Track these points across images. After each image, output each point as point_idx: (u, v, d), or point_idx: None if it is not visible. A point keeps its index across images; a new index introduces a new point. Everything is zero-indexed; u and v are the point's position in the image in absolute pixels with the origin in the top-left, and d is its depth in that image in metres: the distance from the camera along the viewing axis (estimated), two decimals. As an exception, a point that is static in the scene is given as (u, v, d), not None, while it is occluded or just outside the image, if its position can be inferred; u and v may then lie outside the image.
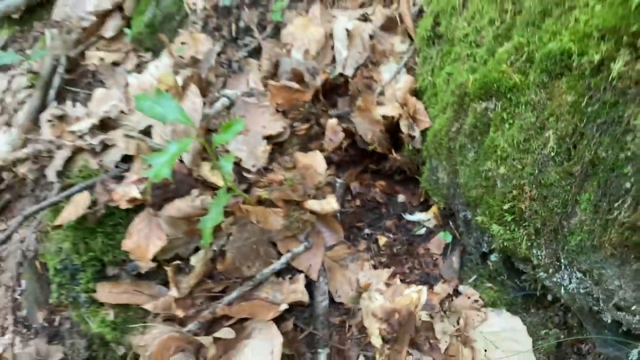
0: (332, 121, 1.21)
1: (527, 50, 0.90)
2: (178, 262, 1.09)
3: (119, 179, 1.16)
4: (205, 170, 1.15)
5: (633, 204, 0.70)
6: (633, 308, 0.78)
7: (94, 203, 1.13)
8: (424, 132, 1.16)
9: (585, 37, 0.79)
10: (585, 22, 0.80)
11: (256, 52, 1.43)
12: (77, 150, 1.27)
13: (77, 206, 1.12)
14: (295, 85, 1.24)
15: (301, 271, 1.08)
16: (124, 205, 1.11)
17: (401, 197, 1.22)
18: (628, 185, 0.71)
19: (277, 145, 1.24)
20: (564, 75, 0.82)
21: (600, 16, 0.78)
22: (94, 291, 1.12)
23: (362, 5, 1.45)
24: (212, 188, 1.14)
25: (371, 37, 1.34)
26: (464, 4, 1.13)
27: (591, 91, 0.77)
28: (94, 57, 1.59)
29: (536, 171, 0.84)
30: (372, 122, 1.20)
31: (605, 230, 0.74)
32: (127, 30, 1.62)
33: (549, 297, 0.97)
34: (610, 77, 0.74)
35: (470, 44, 1.07)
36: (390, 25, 1.35)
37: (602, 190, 0.75)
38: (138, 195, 1.09)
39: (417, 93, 1.23)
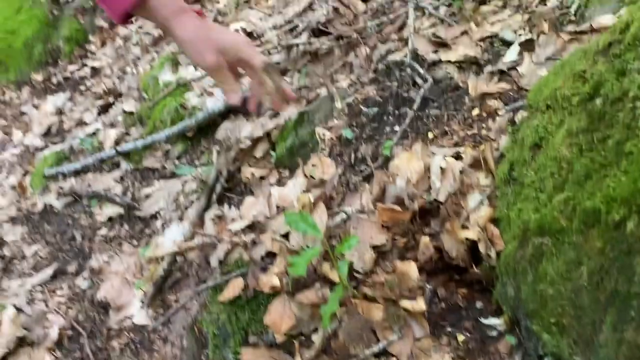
0: (425, 238, 1.56)
1: (572, 203, 1.21)
2: (302, 337, 1.47)
3: (264, 270, 1.58)
4: (326, 269, 1.54)
5: (636, 327, 0.97)
6: (648, 410, 1.01)
7: (245, 287, 1.56)
8: (498, 254, 1.47)
9: (612, 201, 1.09)
10: (613, 189, 1.11)
11: (369, 178, 1.84)
12: (234, 245, 1.72)
13: (234, 288, 1.55)
14: (398, 208, 1.62)
15: (394, 355, 1.40)
16: (266, 290, 1.52)
17: (479, 304, 1.51)
18: (633, 313, 0.98)
19: (380, 254, 1.60)
20: (595, 227, 1.11)
21: (622, 187, 1.08)
22: (239, 353, 1.51)
23: (455, 145, 1.82)
24: (331, 283, 1.52)
25: (461, 172, 1.70)
26: (533, 158, 1.46)
27: (613, 241, 1.06)
28: (247, 172, 2.09)
29: (574, 296, 1.12)
30: (457, 242, 1.53)
31: (620, 346, 1.01)
32: (272, 153, 2.12)
33: (593, 398, 1.21)
34: (625, 233, 1.03)
35: (535, 189, 1.39)
36: (476, 164, 1.70)
37: (619, 315, 1.02)
38: (278, 284, 1.50)
39: (495, 221, 1.55)
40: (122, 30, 3.86)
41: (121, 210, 2.27)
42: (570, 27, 1.93)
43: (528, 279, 1.29)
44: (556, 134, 1.40)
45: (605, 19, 1.80)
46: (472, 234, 1.54)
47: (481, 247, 1.50)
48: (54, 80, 3.89)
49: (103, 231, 2.24)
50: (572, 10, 2.03)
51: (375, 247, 1.60)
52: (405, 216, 1.65)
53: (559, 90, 1.42)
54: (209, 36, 1.12)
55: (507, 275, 1.40)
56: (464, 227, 1.59)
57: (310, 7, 2.67)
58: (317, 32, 2.47)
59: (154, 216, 2.17)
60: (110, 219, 2.28)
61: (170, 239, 1.94)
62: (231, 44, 1.15)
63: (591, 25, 1.84)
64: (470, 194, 1.67)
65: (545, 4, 2.17)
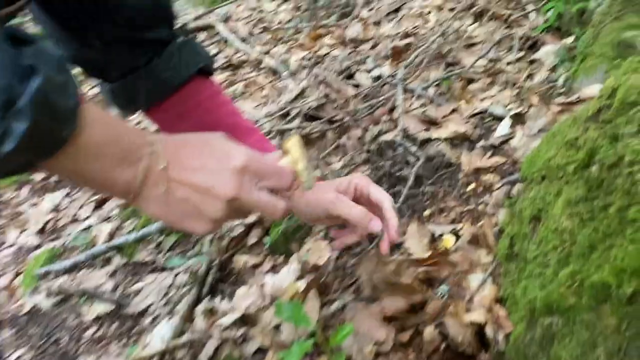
0: (430, 327, 1.45)
1: (579, 278, 1.11)
2: None
3: (255, 367, 1.46)
4: (322, 363, 1.41)
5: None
6: None
7: (234, 387, 1.43)
8: (507, 336, 1.35)
9: (621, 272, 1.01)
10: (622, 260, 1.02)
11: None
12: (224, 341, 1.61)
13: (222, 389, 1.42)
14: (397, 292, 1.52)
15: None
16: (257, 390, 1.39)
17: (491, 395, 1.37)
18: (662, 402, 0.86)
19: (381, 343, 1.48)
20: (606, 302, 1.02)
21: (630, 256, 1.00)
22: None
23: (453, 221, 1.75)
24: (327, 379, 1.39)
25: (460, 250, 1.61)
26: (534, 230, 1.38)
27: (628, 318, 0.96)
28: (240, 261, 2.01)
29: (593, 383, 1.00)
30: (462, 326, 1.42)
31: None
32: (265, 239, 2.05)
33: None
34: (640, 308, 0.94)
35: (539, 264, 1.30)
36: (476, 241, 1.62)
37: (646, 404, 0.90)
38: (269, 383, 1.37)
39: (500, 300, 1.44)
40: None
41: (111, 307, 2.16)
42: (560, 99, 1.93)
43: (541, 365, 1.17)
44: (555, 204, 1.33)
45: (592, 90, 1.79)
46: (477, 316, 1.43)
47: (488, 331, 1.38)
48: (53, 178, 3.90)
49: (91, 331, 2.12)
50: (560, 82, 2.04)
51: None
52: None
53: (553, 159, 1.37)
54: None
55: (518, 361, 1.28)
56: (467, 310, 1.48)
57: (302, 94, 2.71)
58: (309, 117, 2.48)
59: (144, 312, 2.06)
60: (98, 318, 2.16)
61: (159, 336, 1.82)
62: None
63: (579, 96, 1.83)
64: (472, 272, 1.57)
65: (533, 80, 2.19)
